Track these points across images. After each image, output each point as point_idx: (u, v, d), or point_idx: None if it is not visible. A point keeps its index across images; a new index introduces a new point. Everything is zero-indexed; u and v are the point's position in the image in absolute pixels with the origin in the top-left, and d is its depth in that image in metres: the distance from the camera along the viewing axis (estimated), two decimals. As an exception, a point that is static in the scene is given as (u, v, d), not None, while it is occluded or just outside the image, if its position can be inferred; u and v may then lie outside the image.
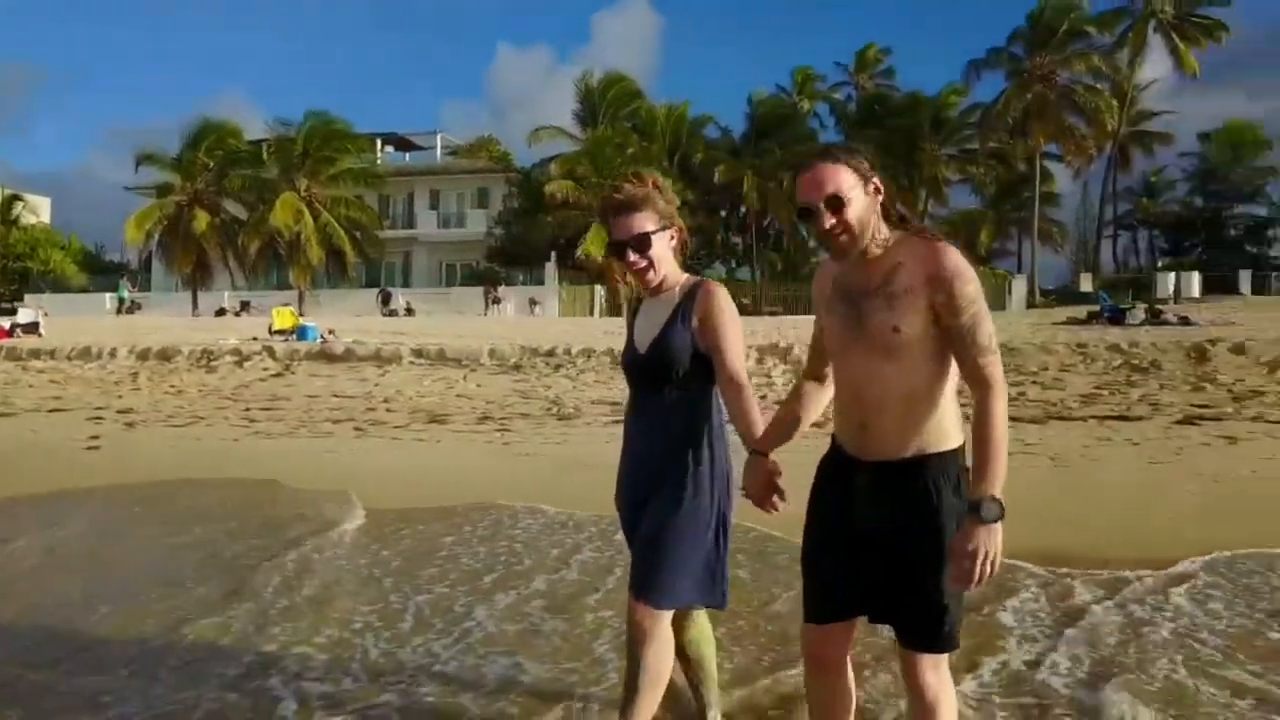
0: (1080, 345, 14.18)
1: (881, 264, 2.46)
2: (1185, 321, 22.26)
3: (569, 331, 20.42)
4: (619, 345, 16.48)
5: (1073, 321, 24.43)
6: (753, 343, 14.59)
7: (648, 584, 2.90)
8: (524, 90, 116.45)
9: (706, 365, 2.96)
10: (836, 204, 2.39)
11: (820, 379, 2.77)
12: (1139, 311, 23.75)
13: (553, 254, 40.84)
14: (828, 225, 2.41)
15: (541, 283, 41.86)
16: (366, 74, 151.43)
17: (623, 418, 3.25)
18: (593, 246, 38.17)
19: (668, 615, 2.92)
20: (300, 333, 21.38)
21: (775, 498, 2.69)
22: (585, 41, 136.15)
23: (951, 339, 2.39)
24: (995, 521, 2.27)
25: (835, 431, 2.63)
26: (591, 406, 11.84)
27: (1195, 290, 36.99)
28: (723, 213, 48.40)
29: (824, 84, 50.03)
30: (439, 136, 55.13)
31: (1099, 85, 42.40)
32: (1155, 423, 9.74)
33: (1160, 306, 24.67)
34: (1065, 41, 42.02)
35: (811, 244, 46.14)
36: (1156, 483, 7.26)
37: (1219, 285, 39.94)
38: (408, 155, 54.03)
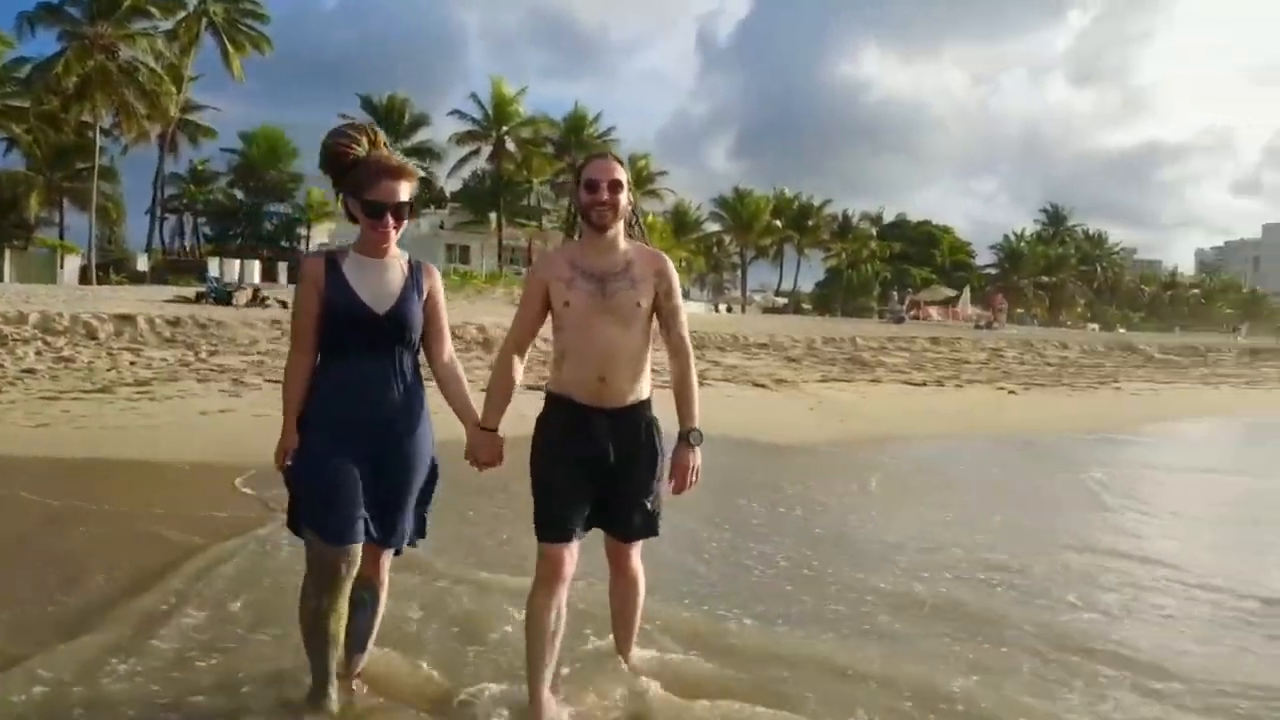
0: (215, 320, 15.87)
1: (621, 255, 3.19)
2: (284, 304, 25.16)
3: None
4: None
5: (182, 300, 25.36)
6: None
7: (397, 533, 3.21)
8: None
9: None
10: (616, 187, 3.13)
11: (524, 353, 3.31)
12: (245, 294, 26.01)
13: None
14: (605, 199, 3.11)
15: None
16: None
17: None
18: None
19: None
20: None
21: (497, 461, 3.25)
22: None
23: (664, 317, 3.23)
24: (699, 445, 3.23)
25: (566, 388, 3.19)
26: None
27: (257, 276, 40.68)
28: None
29: None
30: None
31: (158, 68, 43.09)
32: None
33: (264, 291, 27.20)
34: (128, 16, 41.64)
35: None
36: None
37: (266, 273, 44.49)
38: None
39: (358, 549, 3.06)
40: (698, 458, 3.22)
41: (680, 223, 62.82)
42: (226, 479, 6.91)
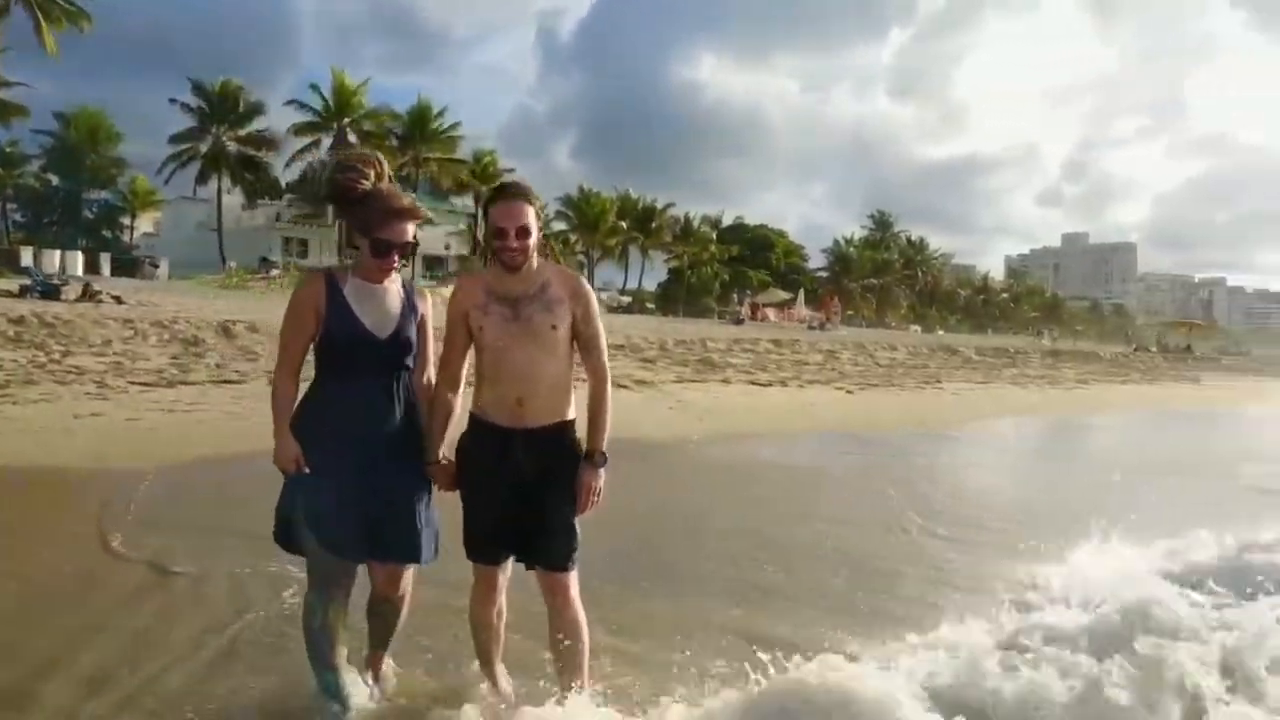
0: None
1: (535, 278, 3.20)
2: (119, 300, 24.02)
3: None
4: None
5: (6, 294, 23.79)
6: None
7: (413, 549, 3.32)
8: None
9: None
10: (524, 233, 3.13)
11: (459, 383, 3.35)
12: (75, 289, 24.63)
13: None
14: (514, 246, 3.11)
15: None
16: None
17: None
18: None
19: None
20: None
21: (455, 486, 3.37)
22: None
23: (582, 341, 3.23)
24: (603, 467, 3.23)
25: (485, 410, 3.25)
26: None
27: (79, 269, 38.31)
28: None
29: None
30: None
31: (-37, 41, 39.95)
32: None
33: (95, 286, 25.80)
34: (-71, -16, 38.45)
35: None
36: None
37: (89, 266, 41.93)
38: None
39: (354, 566, 3.30)
40: (600, 479, 3.23)
41: (527, 221, 62.84)
42: (125, 483, 7.01)
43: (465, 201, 63.66)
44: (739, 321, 50.99)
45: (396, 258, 3.23)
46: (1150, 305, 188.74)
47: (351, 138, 53.58)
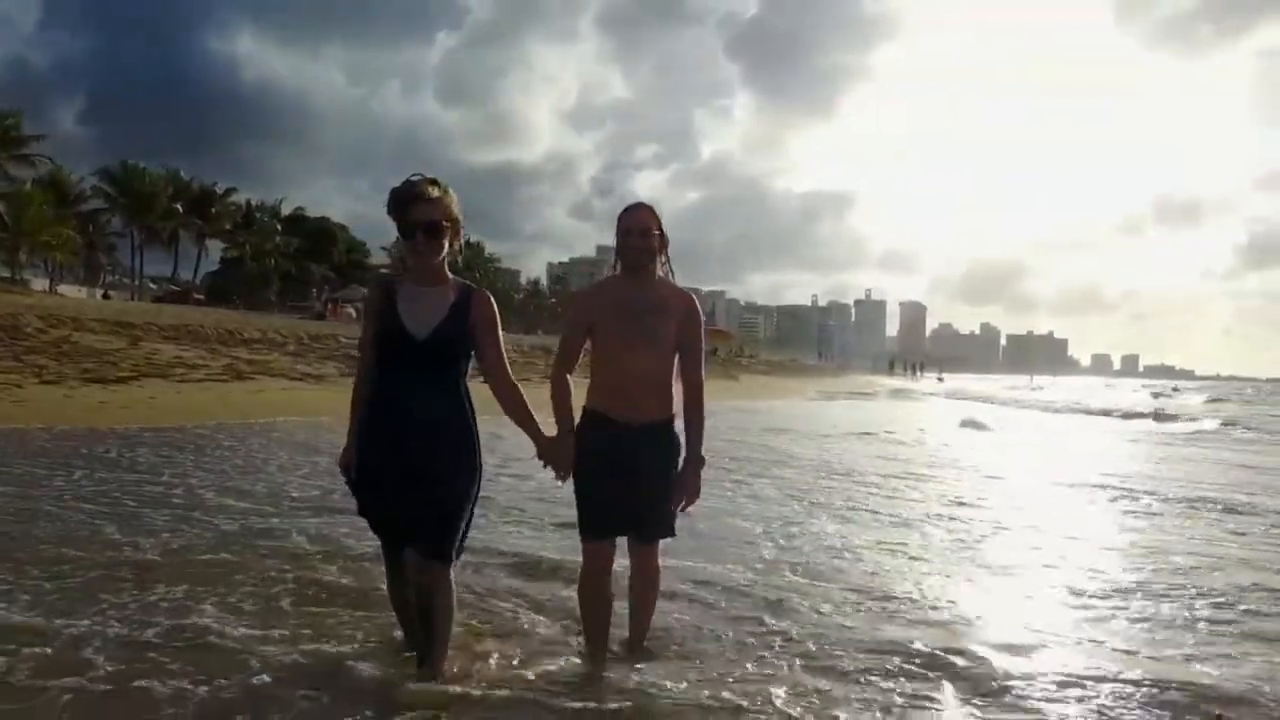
0: None
1: (657, 292, 3.61)
2: None
3: None
4: None
5: None
6: None
7: (445, 546, 3.34)
8: None
9: (469, 356, 3.41)
10: (647, 234, 3.55)
11: (572, 371, 3.67)
12: None
13: None
14: (639, 244, 3.54)
15: None
16: None
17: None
18: None
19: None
20: None
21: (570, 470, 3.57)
22: None
23: (683, 352, 3.63)
24: (702, 468, 3.66)
25: (602, 405, 3.58)
26: None
27: None
28: None
29: None
30: None
31: None
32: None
33: None
34: None
35: None
36: None
37: None
38: None
39: (407, 554, 3.40)
40: (699, 479, 3.67)
41: (59, 195, 55.13)
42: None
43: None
44: (320, 316, 49.81)
45: (421, 237, 3.29)
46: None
47: None
